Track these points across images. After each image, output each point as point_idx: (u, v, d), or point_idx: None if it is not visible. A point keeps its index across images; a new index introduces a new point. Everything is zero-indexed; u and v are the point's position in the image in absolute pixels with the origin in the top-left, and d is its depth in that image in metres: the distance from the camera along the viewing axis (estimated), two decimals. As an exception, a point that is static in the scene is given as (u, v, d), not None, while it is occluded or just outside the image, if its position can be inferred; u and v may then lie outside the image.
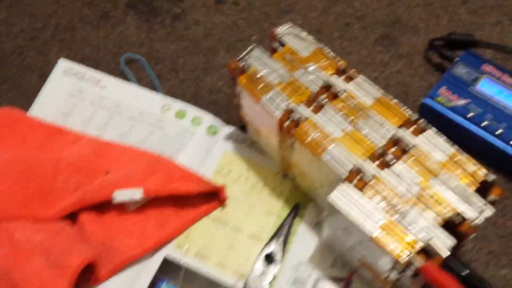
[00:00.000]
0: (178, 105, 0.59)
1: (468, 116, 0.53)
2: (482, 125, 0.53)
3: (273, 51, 0.48)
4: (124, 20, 0.68)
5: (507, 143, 0.51)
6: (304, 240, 0.51)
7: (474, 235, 0.50)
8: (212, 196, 0.54)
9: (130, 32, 0.67)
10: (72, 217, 0.52)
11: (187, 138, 0.57)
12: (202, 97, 0.61)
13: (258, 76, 0.46)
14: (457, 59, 0.57)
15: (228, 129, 0.58)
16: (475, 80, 0.55)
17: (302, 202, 0.53)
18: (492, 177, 0.39)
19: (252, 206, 0.54)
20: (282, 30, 0.48)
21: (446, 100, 0.54)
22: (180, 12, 0.68)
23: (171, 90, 0.62)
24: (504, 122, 0.52)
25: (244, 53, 0.47)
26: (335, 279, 0.49)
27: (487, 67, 0.56)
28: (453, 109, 0.54)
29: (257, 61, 0.47)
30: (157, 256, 0.51)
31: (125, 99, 0.60)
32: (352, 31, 0.65)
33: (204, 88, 0.62)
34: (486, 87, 0.55)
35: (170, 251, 0.51)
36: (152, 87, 0.62)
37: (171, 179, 0.53)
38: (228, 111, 0.60)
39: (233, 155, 0.57)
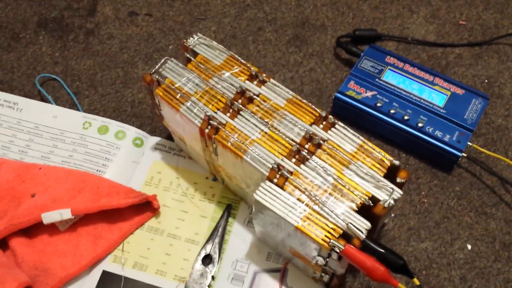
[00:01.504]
0: (99, 121, 0.59)
1: (377, 106, 0.57)
2: (390, 113, 0.57)
3: (187, 61, 0.49)
4: (36, 40, 0.67)
5: (415, 127, 0.56)
6: (239, 238, 0.53)
7: (392, 215, 0.54)
8: (145, 207, 0.54)
9: (43, 52, 0.66)
10: (1, 243, 0.51)
11: (112, 152, 0.57)
12: (124, 110, 0.62)
13: (174, 87, 0.47)
14: (362, 54, 0.61)
15: (154, 139, 0.59)
16: (380, 72, 0.60)
17: (234, 202, 0.55)
18: (396, 162, 0.43)
19: (185, 212, 0.55)
20: (193, 40, 0.50)
21: (355, 93, 0.58)
22: (93, 27, 0.68)
23: (92, 107, 0.62)
24: (409, 108, 0.57)
25: (158, 66, 0.48)
26: (272, 271, 0.51)
27: (390, 59, 0.61)
28: (363, 101, 0.58)
29: (172, 72, 0.48)
30: (95, 272, 0.51)
31: (44, 120, 0.59)
32: (265, 35, 0.68)
33: (125, 101, 0.62)
34: (391, 77, 0.59)
35: (107, 265, 0.52)
36: (71, 106, 0.61)
37: (99, 195, 0.53)
38: (152, 121, 0.61)
39: (162, 164, 0.58)
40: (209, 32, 0.67)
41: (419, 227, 0.54)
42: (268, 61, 0.66)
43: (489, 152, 0.56)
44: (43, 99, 0.62)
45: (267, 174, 0.43)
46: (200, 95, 0.47)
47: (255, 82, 0.48)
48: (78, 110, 0.61)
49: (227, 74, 0.48)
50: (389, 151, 0.58)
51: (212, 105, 0.47)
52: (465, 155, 0.55)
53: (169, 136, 0.59)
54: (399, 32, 0.68)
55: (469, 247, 0.53)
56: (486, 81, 0.64)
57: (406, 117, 0.56)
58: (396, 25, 0.69)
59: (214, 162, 0.51)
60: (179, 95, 0.47)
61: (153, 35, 0.68)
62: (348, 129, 0.45)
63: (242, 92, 0.47)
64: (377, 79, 0.59)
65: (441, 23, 0.69)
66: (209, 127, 0.45)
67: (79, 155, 0.57)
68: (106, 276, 0.51)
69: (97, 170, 0.56)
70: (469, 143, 0.55)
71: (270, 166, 0.43)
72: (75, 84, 0.63)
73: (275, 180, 0.43)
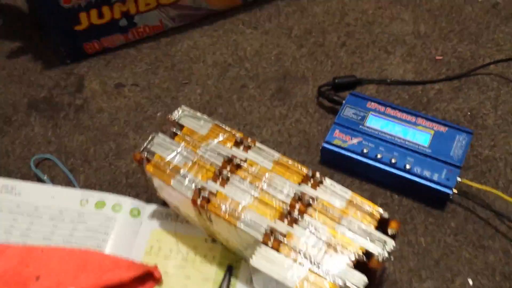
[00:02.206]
0: (96, 196, 0.60)
1: (363, 152, 0.59)
2: (377, 158, 0.58)
3: (174, 134, 0.51)
4: (27, 122, 0.69)
5: (403, 169, 0.57)
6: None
7: (392, 258, 0.55)
8: (147, 277, 0.55)
9: (36, 133, 0.68)
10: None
11: (110, 226, 0.58)
12: (120, 182, 0.63)
13: (164, 162, 0.49)
14: (343, 102, 0.63)
15: (151, 208, 0.60)
16: (363, 118, 0.61)
17: (235, 261, 0.56)
18: (385, 214, 0.44)
19: (187, 277, 0.55)
20: (178, 114, 0.52)
21: (341, 141, 0.60)
22: (82, 102, 0.70)
23: (87, 182, 0.63)
24: (395, 151, 0.59)
25: (146, 143, 0.49)
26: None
27: (371, 104, 0.63)
28: (350, 149, 0.59)
29: (160, 147, 0.50)
30: None
31: (42, 201, 0.60)
32: (248, 92, 0.70)
33: (119, 173, 0.64)
34: (374, 122, 0.61)
35: None
36: (68, 183, 0.63)
37: (102, 271, 0.54)
38: (147, 190, 0.62)
39: (161, 232, 0.58)
40: (194, 95, 0.70)
41: (419, 268, 0.54)
42: (254, 117, 0.67)
43: (479, 185, 0.57)
44: (40, 180, 0.63)
45: (261, 239, 0.44)
46: (189, 167, 0.48)
47: (241, 148, 0.50)
48: (74, 186, 0.62)
49: (214, 143, 0.50)
50: (382, 194, 0.59)
51: (202, 175, 0.48)
52: (455, 191, 0.56)
53: (165, 203, 0.60)
54: (377, 74, 0.70)
55: (471, 282, 0.53)
56: (469, 113, 0.66)
57: (393, 160, 0.58)
58: (374, 68, 0.71)
59: (210, 228, 0.52)
60: (168, 169, 0.48)
61: (141, 104, 0.70)
62: (336, 185, 0.46)
63: (229, 160, 0.48)
64: (361, 126, 0.61)
65: (418, 61, 0.71)
66: (201, 198, 0.47)
67: (79, 232, 0.58)
68: None
69: (98, 246, 0.57)
70: (458, 178, 0.56)
71: (263, 231, 0.44)
72: (69, 161, 0.65)
73: (270, 244, 0.44)
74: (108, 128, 0.68)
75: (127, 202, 0.60)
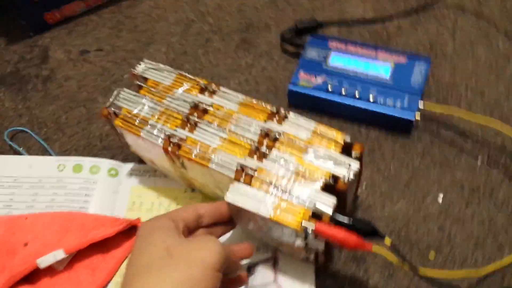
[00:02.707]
0: (72, 160, 0.61)
1: (328, 90, 0.60)
2: (342, 93, 0.60)
3: (139, 88, 0.52)
4: (-3, 97, 0.69)
5: (366, 102, 0.59)
6: (226, 237, 0.55)
7: (364, 184, 0.57)
8: (133, 232, 0.57)
9: (6, 107, 0.68)
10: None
11: (90, 188, 0.60)
12: (95, 145, 0.64)
13: (131, 114, 0.50)
14: (305, 44, 0.64)
15: (128, 166, 0.61)
16: (325, 57, 0.63)
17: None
18: (348, 137, 0.46)
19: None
20: (141, 67, 0.53)
21: (306, 82, 0.61)
22: (49, 73, 0.70)
23: (63, 149, 0.64)
24: (358, 85, 0.60)
25: (112, 99, 0.50)
26: (264, 261, 0.54)
27: (333, 43, 0.64)
28: (315, 88, 0.61)
29: (127, 101, 0.51)
30: (98, 303, 0.54)
31: (21, 172, 0.61)
32: (213, 45, 0.71)
33: (93, 137, 0.65)
34: (336, 61, 0.62)
35: (108, 294, 0.54)
36: (44, 152, 0.64)
37: (86, 230, 0.56)
38: (123, 150, 0.63)
39: (140, 188, 0.60)
40: (160, 54, 0.70)
41: (390, 191, 0.57)
42: (221, 69, 0.68)
43: (440, 106, 0.59)
44: (17, 152, 0.64)
45: (233, 176, 0.46)
46: (157, 117, 0.50)
47: (206, 94, 0.51)
48: (51, 155, 0.63)
49: (179, 91, 0.51)
50: (350, 128, 0.61)
51: (170, 123, 0.49)
52: (418, 117, 0.58)
53: (141, 160, 0.61)
54: (338, 16, 0.71)
55: (440, 199, 0.56)
56: (428, 44, 0.67)
57: (357, 94, 0.59)
58: (335, 11, 0.72)
59: (185, 176, 0.53)
60: (137, 121, 0.50)
61: (107, 68, 0.70)
62: (300, 117, 0.48)
63: (195, 106, 0.50)
64: (324, 65, 0.62)
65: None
66: (171, 145, 0.48)
67: (60, 197, 0.60)
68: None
69: (80, 208, 0.59)
70: (420, 105, 0.58)
71: (234, 168, 0.46)
72: (43, 131, 0.66)
73: (242, 180, 0.45)
74: (77, 95, 0.68)
75: (104, 163, 0.61)
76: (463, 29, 0.68)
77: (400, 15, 0.70)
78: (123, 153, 0.63)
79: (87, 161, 0.61)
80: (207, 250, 0.40)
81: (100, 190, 0.60)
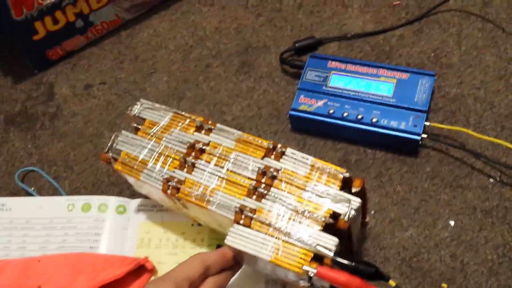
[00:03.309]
0: (81, 200, 0.62)
1: (330, 113, 0.59)
2: (344, 116, 0.59)
3: (136, 129, 0.52)
4: (7, 138, 0.70)
5: (370, 124, 0.58)
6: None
7: (372, 212, 0.56)
8: (141, 270, 0.57)
9: (17, 147, 0.69)
10: None
11: (99, 227, 0.60)
12: (103, 182, 0.65)
13: (130, 158, 0.50)
14: (304, 66, 0.63)
15: (136, 202, 0.62)
16: (326, 79, 0.62)
17: (223, 241, 0.57)
18: (347, 174, 0.45)
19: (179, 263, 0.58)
20: (137, 108, 0.53)
21: (307, 106, 0.60)
22: (55, 110, 0.71)
23: (73, 187, 0.65)
24: (361, 106, 0.59)
25: (110, 143, 0.51)
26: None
27: (332, 64, 0.63)
28: (316, 112, 0.60)
29: (125, 144, 0.51)
30: None
31: (33, 213, 0.62)
32: (213, 70, 0.70)
33: (101, 173, 0.65)
34: (336, 82, 0.61)
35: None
36: (54, 191, 0.65)
37: (96, 271, 0.56)
38: (130, 186, 0.63)
39: (148, 224, 0.60)
40: (162, 84, 0.70)
41: (400, 217, 0.55)
42: (222, 95, 0.68)
43: (447, 126, 0.57)
44: (28, 193, 0.65)
45: (233, 218, 0.45)
46: (155, 159, 0.50)
47: (203, 132, 0.50)
48: (61, 194, 0.64)
49: (176, 131, 0.51)
50: (355, 150, 0.60)
51: (169, 165, 0.49)
52: (424, 136, 0.56)
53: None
54: (338, 31, 0.70)
55: (452, 223, 0.54)
56: (433, 54, 0.65)
57: (359, 116, 0.58)
58: (334, 25, 0.71)
59: (188, 214, 0.53)
60: (136, 164, 0.50)
61: (111, 102, 0.70)
62: (297, 153, 0.47)
63: (192, 146, 0.49)
64: (324, 87, 0.61)
65: (376, 10, 0.71)
66: (170, 187, 0.48)
67: (71, 237, 0.60)
68: None
69: (91, 247, 0.59)
70: (426, 123, 0.57)
71: (234, 210, 0.45)
72: (52, 169, 0.66)
73: (241, 222, 0.45)
74: (83, 131, 0.69)
75: (112, 201, 0.61)
76: (468, 35, 0.66)
77: (402, 25, 0.68)
78: (131, 188, 0.63)
79: (95, 200, 0.62)
80: None
81: (109, 228, 0.60)
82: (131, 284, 0.57)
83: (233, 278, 0.49)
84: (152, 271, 0.57)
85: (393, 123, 0.57)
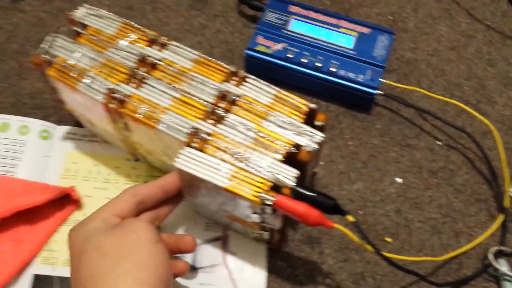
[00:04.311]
0: (-2, 118, 0.54)
1: (288, 57, 0.56)
2: (302, 62, 0.56)
3: (77, 35, 0.45)
4: None
5: (328, 73, 0.56)
6: (173, 213, 0.51)
7: (322, 162, 0.54)
8: (65, 201, 0.51)
9: None
10: None
11: (19, 150, 0.53)
12: (25, 104, 0.57)
13: (67, 64, 0.44)
14: (265, 7, 0.60)
15: (63, 129, 0.55)
16: (285, 23, 0.59)
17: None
18: (313, 105, 0.42)
19: (110, 199, 0.52)
20: (80, 13, 0.46)
21: (265, 47, 0.57)
22: (-25, 20, 0.62)
23: (-13, 106, 0.56)
24: (320, 54, 0.57)
25: (45, 45, 0.44)
26: (213, 240, 0.50)
27: (293, 8, 0.60)
28: (274, 55, 0.57)
29: (63, 49, 0.44)
30: (25, 278, 0.48)
31: None
32: (163, 1, 0.64)
33: (23, 94, 0.57)
34: (297, 27, 0.58)
35: (37, 268, 0.48)
36: (-36, 107, 0.56)
37: (12, 196, 0.49)
38: (57, 110, 0.56)
39: (77, 154, 0.54)
40: (102, 7, 0.63)
41: (348, 170, 0.54)
42: (171, 28, 0.62)
43: (402, 85, 0.56)
44: None
45: (185, 140, 0.41)
46: (98, 69, 0.44)
47: (156, 47, 0.45)
48: (-28, 111, 0.55)
49: (124, 42, 0.45)
50: (309, 100, 0.57)
51: (113, 77, 0.43)
52: (381, 92, 0.55)
53: (78, 123, 0.55)
54: (300, -19, 0.67)
55: (399, 180, 0.54)
56: (390, 17, 0.65)
57: (318, 64, 0.56)
58: (296, -25, 0.68)
59: (129, 140, 0.48)
60: (74, 72, 0.43)
61: (42, 19, 0.62)
62: (260, 81, 0.44)
63: (143, 59, 0.44)
64: (283, 30, 0.58)
65: (339, -33, 0.69)
66: (114, 101, 0.42)
67: (-19, 159, 0.52)
68: (38, 280, 0.48)
69: (7, 172, 0.52)
70: (382, 80, 0.56)
71: (187, 132, 0.41)
72: (-37, 85, 0.57)
73: (195, 145, 0.41)
74: (6, 47, 0.60)
75: (35, 123, 0.54)
76: (425, 4, 0.66)
77: (363, -14, 0.67)
78: (58, 113, 0.56)
79: (15, 120, 0.54)
80: (136, 232, 0.38)
81: (29, 153, 0.53)
82: (53, 216, 0.50)
83: (171, 216, 0.45)
84: (78, 203, 0.51)
85: (351, 75, 0.55)
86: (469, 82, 0.60)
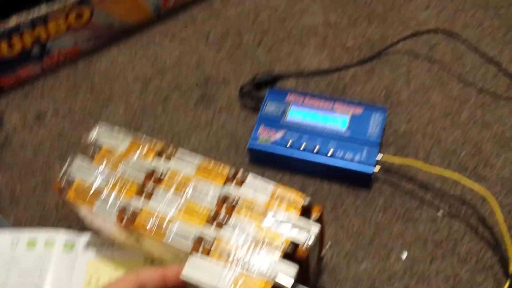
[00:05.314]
0: (26, 235, 0.58)
1: (287, 146, 0.60)
2: (301, 149, 0.60)
3: (93, 156, 0.51)
4: (-52, 167, 0.67)
5: (326, 156, 0.59)
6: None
7: (329, 243, 0.57)
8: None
9: (-42, 177, 0.66)
10: None
11: (45, 264, 0.57)
12: (51, 216, 0.62)
13: (84, 187, 0.49)
14: (264, 99, 0.65)
15: (85, 238, 0.58)
16: (284, 112, 0.63)
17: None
18: (307, 200, 0.45)
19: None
20: (94, 134, 0.52)
21: (266, 138, 0.61)
22: (3, 140, 0.68)
23: (18, 221, 0.61)
24: (317, 139, 0.60)
25: (63, 170, 0.49)
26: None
27: (290, 97, 0.64)
28: (275, 144, 0.61)
29: (80, 172, 0.49)
30: None
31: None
32: (172, 102, 0.70)
33: (50, 207, 0.62)
34: (294, 114, 0.63)
35: None
36: (-1, 224, 0.61)
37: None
38: (80, 220, 0.61)
39: (98, 262, 0.57)
40: (118, 114, 0.69)
41: (355, 250, 0.56)
42: (181, 127, 0.68)
43: (399, 160, 0.59)
44: (-32, 225, 0.61)
45: (190, 249, 0.44)
46: (111, 187, 0.48)
47: (163, 158, 0.50)
48: (5, 228, 0.60)
49: (134, 158, 0.50)
50: (312, 183, 0.61)
51: (125, 193, 0.48)
52: (377, 169, 0.58)
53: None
54: (295, 67, 0.72)
55: (404, 255, 0.55)
56: (384, 92, 0.68)
57: (316, 149, 0.59)
58: (292, 62, 0.73)
59: (143, 248, 0.52)
60: (90, 194, 0.48)
61: (64, 131, 0.69)
62: (258, 179, 0.47)
63: (151, 173, 0.48)
64: (282, 119, 0.62)
65: (331, 50, 0.74)
66: (126, 217, 0.47)
67: (13, 275, 0.56)
68: None
69: (35, 285, 0.56)
70: (378, 157, 0.58)
71: (192, 240, 0.45)
72: (-3, 201, 0.63)
73: (199, 252, 0.44)
74: (33, 162, 0.66)
75: (60, 236, 0.58)
76: (417, 75, 0.70)
77: (355, 64, 0.71)
78: (81, 222, 0.61)
79: (42, 234, 0.58)
80: None
81: (55, 266, 0.57)
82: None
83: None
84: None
85: (348, 156, 0.58)
86: (466, 147, 0.62)
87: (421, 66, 0.71)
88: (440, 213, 0.57)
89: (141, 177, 0.49)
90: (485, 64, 0.69)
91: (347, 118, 0.61)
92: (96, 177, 0.49)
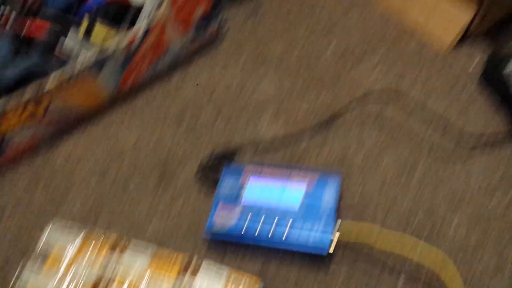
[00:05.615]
0: None
1: (241, 234, 0.59)
2: (256, 237, 0.59)
3: (43, 261, 0.50)
4: None
5: (280, 242, 0.58)
6: None
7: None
8: None
9: None
10: None
11: None
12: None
13: (36, 295, 0.48)
14: (221, 178, 0.65)
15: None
16: (241, 188, 0.63)
17: None
18: (261, 284, 0.46)
19: None
20: (46, 234, 0.52)
21: (221, 225, 0.60)
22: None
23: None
24: (271, 223, 0.59)
25: (16, 275, 0.49)
26: None
27: (247, 170, 0.65)
28: (230, 231, 0.60)
29: (31, 278, 0.49)
30: None
31: None
32: (130, 189, 0.70)
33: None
34: (251, 191, 0.62)
35: None
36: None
37: None
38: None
39: None
40: (76, 207, 0.68)
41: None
42: (141, 214, 0.67)
43: (353, 238, 0.58)
44: None
45: None
46: (63, 294, 0.48)
47: (117, 251, 0.50)
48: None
49: (85, 259, 0.50)
50: (273, 261, 0.60)
51: (75, 301, 0.48)
52: (331, 249, 0.57)
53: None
54: (253, 137, 0.73)
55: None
56: (339, 156, 0.69)
57: (270, 235, 0.59)
58: (249, 133, 0.74)
59: None
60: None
61: (23, 226, 0.68)
62: (213, 266, 0.48)
63: (99, 279, 0.48)
64: (239, 197, 0.62)
65: (286, 118, 0.75)
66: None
67: None
68: None
69: None
70: (332, 236, 0.58)
71: None
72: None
73: None
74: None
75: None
76: (369, 137, 0.71)
77: (310, 129, 0.72)
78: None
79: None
80: None
81: None
82: None
83: None
84: None
85: (302, 237, 0.58)
86: (420, 209, 0.63)
87: (373, 127, 0.72)
88: (400, 282, 0.57)
89: (91, 280, 0.49)
90: (433, 122, 0.71)
91: (302, 191, 0.62)
92: (47, 285, 0.49)
